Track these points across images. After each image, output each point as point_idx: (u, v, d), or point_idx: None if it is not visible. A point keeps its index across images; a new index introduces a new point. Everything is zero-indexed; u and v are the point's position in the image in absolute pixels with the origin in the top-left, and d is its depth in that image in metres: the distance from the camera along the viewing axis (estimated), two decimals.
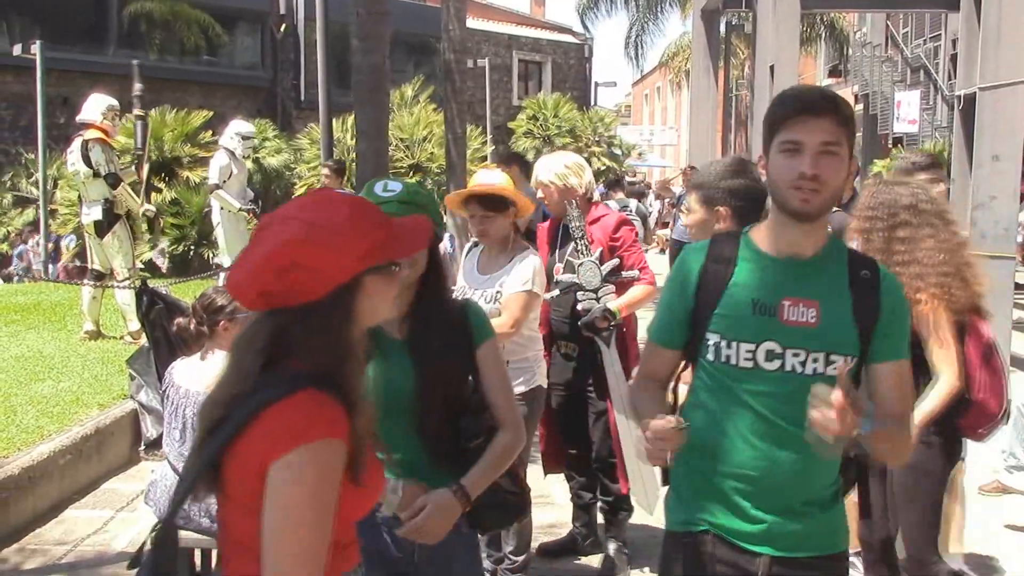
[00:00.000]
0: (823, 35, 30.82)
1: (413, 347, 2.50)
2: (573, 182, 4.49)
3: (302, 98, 25.99)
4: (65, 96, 20.28)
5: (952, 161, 8.48)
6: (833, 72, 34.28)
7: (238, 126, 10.47)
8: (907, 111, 24.19)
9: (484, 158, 21.45)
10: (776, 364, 2.20)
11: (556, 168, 4.54)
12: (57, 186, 16.02)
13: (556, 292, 4.40)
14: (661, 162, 46.68)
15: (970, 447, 6.86)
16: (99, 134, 8.84)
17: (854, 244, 3.44)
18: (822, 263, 2.24)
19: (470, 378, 2.57)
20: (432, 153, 19.19)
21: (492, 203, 3.96)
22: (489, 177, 4.14)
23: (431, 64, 26.98)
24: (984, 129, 7.50)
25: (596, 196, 4.81)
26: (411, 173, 19.29)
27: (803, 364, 2.19)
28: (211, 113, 17.39)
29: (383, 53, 7.50)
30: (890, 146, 26.97)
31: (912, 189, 3.52)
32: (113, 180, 8.74)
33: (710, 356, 2.27)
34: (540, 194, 4.63)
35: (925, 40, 26.31)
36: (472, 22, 27.15)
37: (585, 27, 33.60)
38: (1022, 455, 5.71)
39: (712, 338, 2.26)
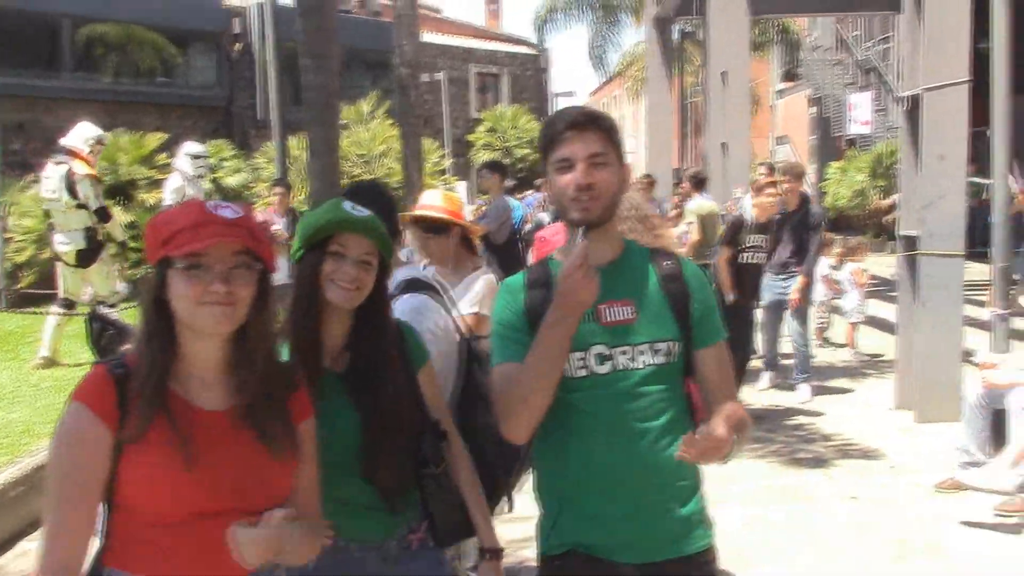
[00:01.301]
0: (775, 40, 31.02)
1: (351, 379, 2.44)
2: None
3: (259, 117, 25.78)
4: (20, 122, 20.00)
5: (900, 163, 8.56)
6: (787, 76, 34.60)
7: (187, 147, 10.41)
8: (860, 113, 24.44)
9: (443, 172, 21.41)
10: (608, 366, 2.29)
11: None
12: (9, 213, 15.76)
13: None
14: None
15: (925, 446, 6.92)
16: (87, 168, 8.70)
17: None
18: (624, 264, 2.38)
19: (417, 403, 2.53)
20: (391, 168, 19.10)
21: (429, 225, 4.00)
22: (430, 199, 4.17)
23: (389, 79, 26.87)
24: (929, 130, 7.56)
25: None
26: None
27: (632, 359, 2.29)
28: (167, 135, 17.22)
29: (332, 71, 7.42)
30: (844, 148, 27.25)
31: None
32: (103, 215, 8.67)
33: None
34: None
35: (875, 42, 26.55)
36: (428, 36, 27.15)
37: (541, 39, 33.69)
38: (976, 452, 5.75)
39: None
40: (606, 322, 2.29)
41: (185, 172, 10.18)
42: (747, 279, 7.68)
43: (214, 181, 17.09)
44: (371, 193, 3.18)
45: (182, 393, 1.93)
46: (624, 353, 2.29)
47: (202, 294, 1.86)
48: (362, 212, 2.48)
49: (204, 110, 25.60)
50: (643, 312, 2.32)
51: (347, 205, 2.48)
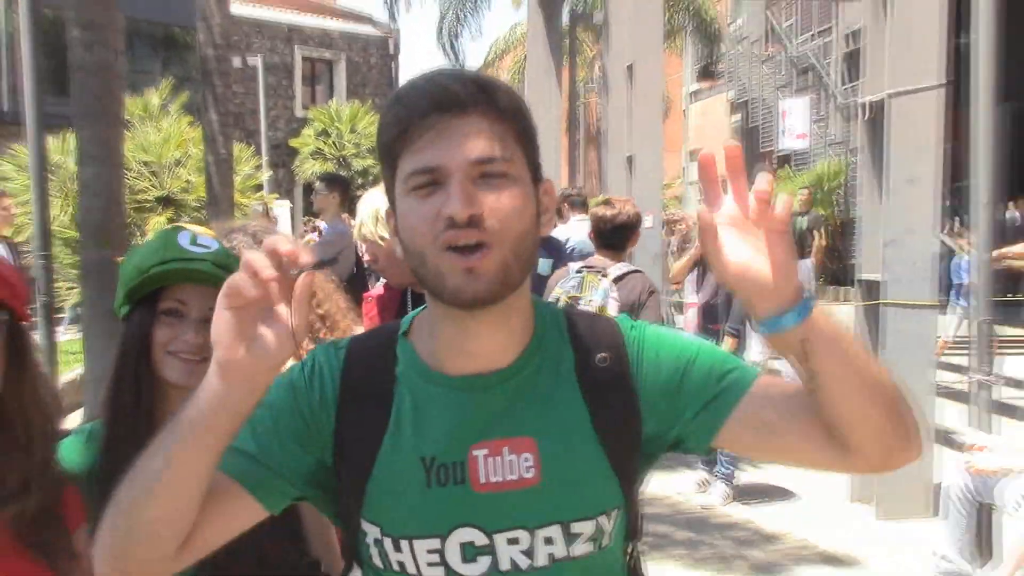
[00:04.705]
0: (688, 27, 31.82)
1: None
2: None
3: (5, 109, 25.13)
4: None
5: (859, 187, 8.70)
6: (704, 74, 35.55)
7: None
8: (795, 122, 25.20)
9: (259, 187, 21.12)
10: (485, 564, 1.64)
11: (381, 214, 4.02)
12: None
13: None
14: None
15: (892, 551, 7.04)
16: None
17: None
18: (527, 369, 1.68)
19: None
20: (188, 181, 18.75)
21: None
22: None
23: (185, 64, 26.44)
24: (895, 146, 7.69)
25: None
26: (161, 208, 18.77)
27: (529, 553, 1.64)
28: None
29: (115, 47, 7.25)
30: (774, 166, 28.03)
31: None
32: None
33: (376, 561, 1.69)
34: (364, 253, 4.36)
35: (813, 35, 27.55)
36: (240, 8, 26.84)
37: (392, 16, 33.71)
38: (958, 558, 5.84)
39: (371, 532, 1.67)
40: (483, 484, 1.63)
41: None
42: None
43: None
44: None
45: None
46: (514, 543, 1.63)
47: None
48: (209, 246, 2.25)
49: None
50: (552, 464, 1.64)
51: (183, 238, 2.24)
